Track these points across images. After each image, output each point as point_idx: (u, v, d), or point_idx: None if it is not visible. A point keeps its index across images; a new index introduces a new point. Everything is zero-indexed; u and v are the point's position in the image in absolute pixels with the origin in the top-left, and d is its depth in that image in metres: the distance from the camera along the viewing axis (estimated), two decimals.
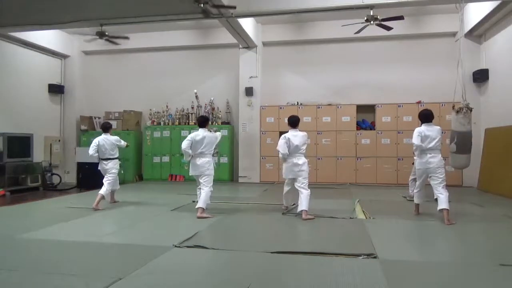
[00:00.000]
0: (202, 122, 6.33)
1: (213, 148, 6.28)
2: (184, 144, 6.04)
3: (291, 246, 4.33)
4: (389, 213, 6.25)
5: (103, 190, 6.76)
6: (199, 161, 6.10)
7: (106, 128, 7.29)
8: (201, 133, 6.15)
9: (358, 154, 10.44)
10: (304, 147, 6.10)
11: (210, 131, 6.31)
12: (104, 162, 7.04)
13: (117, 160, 7.21)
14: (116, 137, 7.32)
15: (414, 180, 6.95)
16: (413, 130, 5.83)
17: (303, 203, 5.83)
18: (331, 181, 10.30)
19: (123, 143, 7.34)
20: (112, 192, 7.25)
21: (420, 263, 3.78)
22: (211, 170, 6.16)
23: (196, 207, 5.97)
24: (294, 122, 6.20)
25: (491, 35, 9.30)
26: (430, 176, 5.67)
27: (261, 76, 11.17)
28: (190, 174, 6.33)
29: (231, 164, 11.23)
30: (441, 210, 5.46)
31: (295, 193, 6.16)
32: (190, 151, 6.08)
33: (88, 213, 6.38)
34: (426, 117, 5.79)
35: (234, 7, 6.97)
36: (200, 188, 6.19)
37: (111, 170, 7.01)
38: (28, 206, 7.46)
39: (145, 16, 8.45)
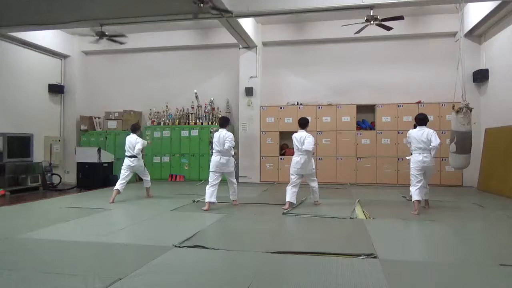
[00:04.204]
0: (224, 122, 6.89)
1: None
2: (233, 142, 6.61)
3: (291, 246, 4.33)
4: (389, 213, 6.25)
5: (148, 184, 7.87)
6: (226, 159, 6.64)
7: (135, 129, 7.86)
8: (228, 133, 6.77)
9: (358, 154, 10.44)
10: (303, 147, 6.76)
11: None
12: (130, 159, 7.58)
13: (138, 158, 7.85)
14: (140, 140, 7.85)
15: None
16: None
17: (316, 195, 6.95)
18: (331, 181, 10.30)
19: (142, 145, 7.77)
20: (117, 191, 7.42)
21: (420, 263, 3.78)
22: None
23: (234, 198, 6.94)
24: (303, 124, 6.83)
25: (491, 35, 9.30)
26: (425, 172, 6.27)
27: (261, 76, 11.18)
28: (217, 170, 6.61)
29: None
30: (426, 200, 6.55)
31: (298, 192, 6.74)
32: None
33: (88, 213, 6.37)
34: (422, 120, 6.35)
35: (231, 12, 7.12)
36: (212, 186, 6.59)
37: (142, 166, 7.77)
38: (28, 206, 7.45)
39: (145, 16, 8.46)
